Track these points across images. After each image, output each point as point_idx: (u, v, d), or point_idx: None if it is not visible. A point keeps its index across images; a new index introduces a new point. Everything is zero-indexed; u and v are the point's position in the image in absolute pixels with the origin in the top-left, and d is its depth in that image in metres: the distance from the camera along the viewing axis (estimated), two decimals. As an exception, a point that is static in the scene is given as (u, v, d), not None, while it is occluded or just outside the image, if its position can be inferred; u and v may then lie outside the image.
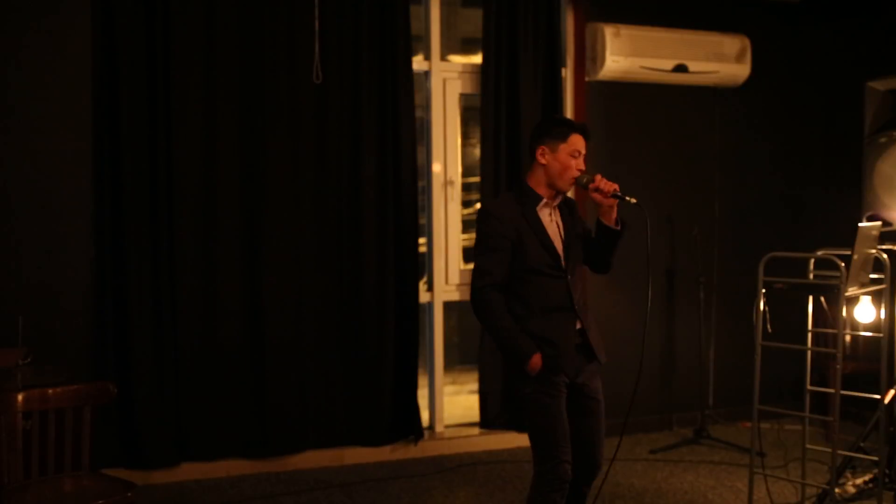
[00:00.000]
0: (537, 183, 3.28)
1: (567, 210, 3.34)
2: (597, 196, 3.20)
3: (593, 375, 3.35)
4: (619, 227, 3.26)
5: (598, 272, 3.38)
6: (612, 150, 5.70)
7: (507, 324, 3.23)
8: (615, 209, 3.23)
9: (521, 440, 5.46)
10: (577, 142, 3.24)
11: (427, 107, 5.42)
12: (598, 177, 3.20)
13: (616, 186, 3.20)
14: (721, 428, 5.73)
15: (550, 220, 3.28)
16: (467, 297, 5.44)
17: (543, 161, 3.25)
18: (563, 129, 3.26)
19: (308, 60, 4.89)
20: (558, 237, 3.26)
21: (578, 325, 3.26)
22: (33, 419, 3.32)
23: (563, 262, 3.24)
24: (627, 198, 3.20)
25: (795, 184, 6.14)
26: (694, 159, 5.91)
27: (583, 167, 3.26)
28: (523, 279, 3.25)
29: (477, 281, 3.32)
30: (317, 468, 4.99)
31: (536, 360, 3.18)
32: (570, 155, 3.23)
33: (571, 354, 3.24)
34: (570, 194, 3.50)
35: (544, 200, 3.27)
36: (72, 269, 4.60)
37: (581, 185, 3.24)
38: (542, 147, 3.26)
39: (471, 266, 5.51)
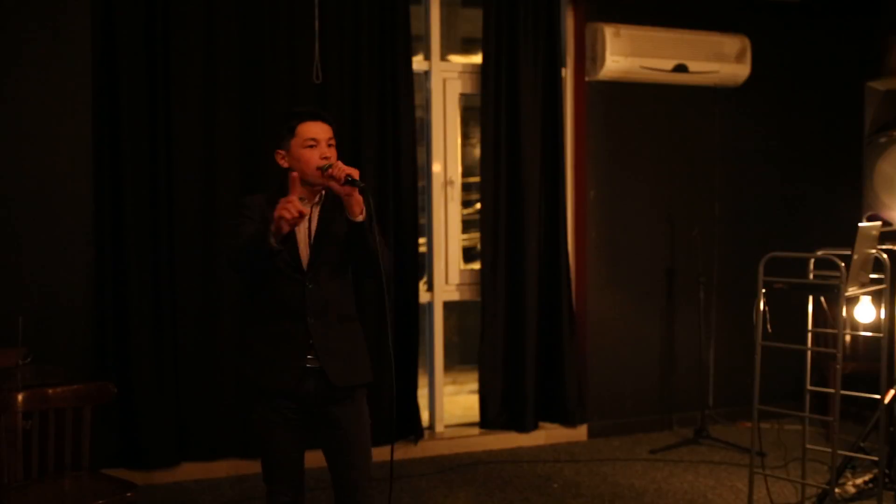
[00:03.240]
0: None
1: (334, 209, 2.95)
2: (333, 185, 2.84)
3: (340, 401, 2.95)
4: (362, 219, 2.83)
5: (366, 277, 3.01)
6: (612, 150, 5.71)
7: (242, 238, 2.89)
8: (356, 199, 2.81)
9: (521, 440, 5.47)
10: (306, 131, 2.92)
11: (427, 107, 5.42)
12: (337, 163, 2.86)
13: (351, 171, 2.81)
14: (721, 428, 5.73)
15: (303, 220, 2.92)
16: (467, 297, 5.52)
17: (285, 164, 2.95)
18: (290, 124, 2.95)
19: (308, 60, 4.89)
20: (306, 237, 2.94)
21: (311, 341, 2.90)
22: (33, 419, 3.32)
23: (303, 265, 2.91)
24: (359, 183, 2.81)
25: (795, 184, 6.14)
26: (694, 159, 5.91)
27: (328, 154, 2.90)
28: (263, 278, 2.94)
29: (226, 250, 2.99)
30: (317, 468, 4.95)
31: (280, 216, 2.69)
32: (304, 146, 2.90)
33: (294, 373, 2.90)
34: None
35: (299, 196, 2.91)
36: (72, 269, 4.60)
37: (323, 172, 2.87)
38: (279, 151, 2.96)
39: (471, 266, 5.56)
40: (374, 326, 5.07)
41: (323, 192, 2.99)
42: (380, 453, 5.14)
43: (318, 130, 2.93)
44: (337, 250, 2.94)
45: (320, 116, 2.98)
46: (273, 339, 2.93)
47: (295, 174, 2.78)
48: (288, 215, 2.65)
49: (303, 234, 2.94)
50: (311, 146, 2.91)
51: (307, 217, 2.93)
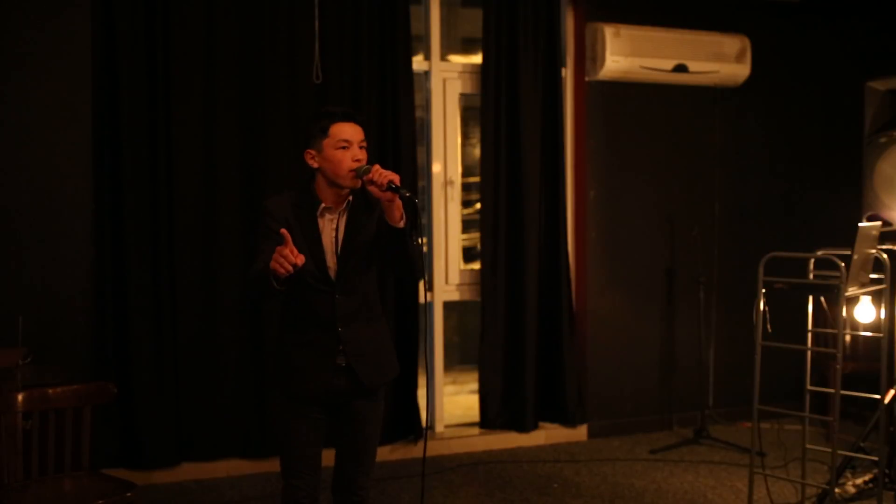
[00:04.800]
0: (320, 187, 2.92)
1: (362, 214, 2.93)
2: (374, 190, 2.79)
3: (363, 398, 2.99)
4: (402, 225, 2.80)
5: (403, 278, 2.99)
6: (612, 150, 5.71)
7: (251, 271, 2.89)
8: (396, 204, 2.78)
9: (521, 440, 5.47)
10: (339, 131, 2.87)
11: (427, 107, 5.42)
12: (376, 167, 2.80)
13: (393, 177, 2.76)
14: (721, 428, 5.73)
15: (330, 227, 2.92)
16: (467, 296, 5.52)
17: (315, 164, 2.90)
18: (322, 124, 2.90)
19: (308, 60, 4.89)
20: (332, 247, 2.91)
21: (341, 347, 2.91)
22: (33, 419, 3.32)
23: (331, 276, 2.90)
24: (403, 191, 2.76)
25: (795, 184, 6.14)
26: (694, 159, 5.91)
27: (360, 156, 2.87)
28: (293, 290, 2.89)
29: (248, 270, 2.99)
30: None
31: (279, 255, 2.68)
32: (337, 147, 2.86)
33: (326, 377, 2.92)
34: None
35: (323, 205, 2.91)
36: (72, 269, 4.60)
37: (359, 176, 2.84)
38: (309, 151, 2.91)
39: (471, 266, 5.56)
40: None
41: (350, 198, 2.93)
42: (379, 453, 5.16)
43: (351, 132, 2.88)
44: (364, 256, 2.92)
45: (353, 117, 2.92)
46: (305, 347, 2.94)
47: (285, 231, 2.69)
48: (282, 270, 2.64)
49: (329, 244, 2.91)
50: (344, 147, 2.86)
51: (334, 226, 2.91)
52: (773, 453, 5.06)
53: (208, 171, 4.79)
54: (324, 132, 2.89)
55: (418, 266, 2.92)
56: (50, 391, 3.38)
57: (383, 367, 3.04)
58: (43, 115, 4.55)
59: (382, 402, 3.08)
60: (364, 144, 2.92)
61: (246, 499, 4.51)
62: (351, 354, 2.92)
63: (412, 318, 5.17)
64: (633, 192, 5.78)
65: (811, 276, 4.19)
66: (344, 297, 2.92)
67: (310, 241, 2.88)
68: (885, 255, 4.02)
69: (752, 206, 6.05)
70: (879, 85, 4.74)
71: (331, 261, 2.91)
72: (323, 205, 2.91)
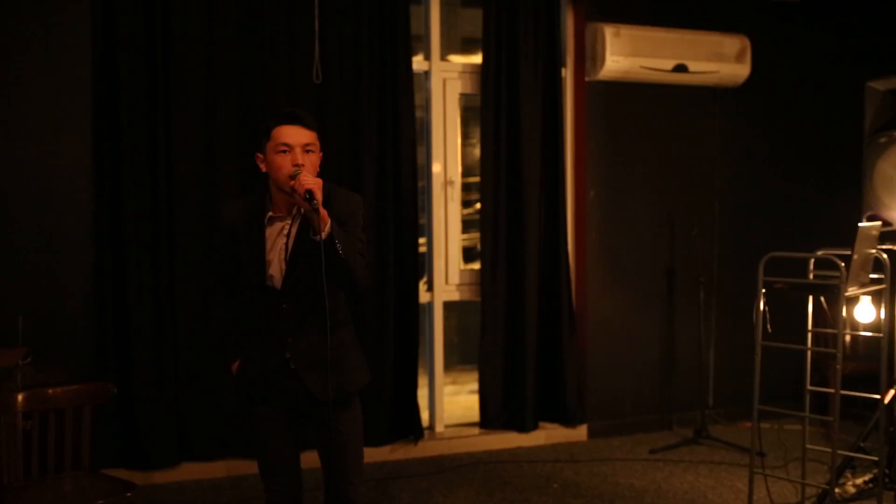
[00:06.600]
0: (272, 192, 2.83)
1: (313, 221, 2.68)
2: (297, 197, 2.68)
3: (335, 404, 2.84)
4: (321, 237, 2.64)
5: (347, 293, 2.89)
6: (612, 150, 5.71)
7: (222, 328, 2.99)
8: (320, 215, 2.64)
9: (521, 440, 5.48)
10: (279, 135, 2.75)
11: (427, 107, 5.42)
12: (302, 174, 2.68)
13: (311, 186, 2.63)
14: (721, 428, 5.73)
15: (279, 234, 2.81)
16: (467, 297, 5.53)
17: (264, 168, 2.82)
18: (266, 126, 2.80)
19: (308, 60, 4.89)
20: (281, 255, 2.80)
21: (288, 356, 2.83)
22: (33, 419, 3.32)
23: (274, 285, 2.81)
24: (314, 203, 2.61)
25: (795, 184, 6.14)
26: (694, 159, 5.91)
27: (300, 161, 2.73)
28: (244, 292, 2.92)
29: (211, 276, 3.02)
30: (317, 468, 4.95)
31: (235, 367, 3.00)
32: (277, 151, 2.74)
33: (276, 380, 2.87)
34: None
35: (270, 213, 2.82)
36: (72, 270, 4.60)
37: (293, 181, 2.70)
38: (259, 154, 2.83)
39: (471, 266, 5.56)
40: (374, 327, 5.08)
41: (298, 206, 2.79)
42: (379, 453, 5.18)
43: (293, 135, 2.76)
44: (319, 264, 2.72)
45: (299, 120, 2.79)
46: (258, 352, 2.92)
47: None
48: None
49: (278, 251, 2.81)
50: (284, 152, 2.74)
51: (286, 233, 2.81)
52: (773, 453, 5.05)
53: (208, 170, 4.79)
54: (268, 136, 2.79)
55: (353, 278, 2.76)
56: (50, 391, 3.38)
57: (343, 378, 2.87)
58: (43, 115, 4.55)
59: (357, 407, 2.96)
60: (312, 148, 2.79)
61: (246, 499, 4.51)
62: (300, 366, 2.83)
63: (412, 318, 5.17)
64: (633, 192, 5.78)
65: (811, 276, 4.19)
66: (292, 306, 2.81)
67: (252, 250, 2.82)
68: (885, 255, 4.02)
69: (752, 206, 6.05)
70: (879, 85, 4.74)
71: (278, 269, 2.82)
72: (270, 213, 2.83)
